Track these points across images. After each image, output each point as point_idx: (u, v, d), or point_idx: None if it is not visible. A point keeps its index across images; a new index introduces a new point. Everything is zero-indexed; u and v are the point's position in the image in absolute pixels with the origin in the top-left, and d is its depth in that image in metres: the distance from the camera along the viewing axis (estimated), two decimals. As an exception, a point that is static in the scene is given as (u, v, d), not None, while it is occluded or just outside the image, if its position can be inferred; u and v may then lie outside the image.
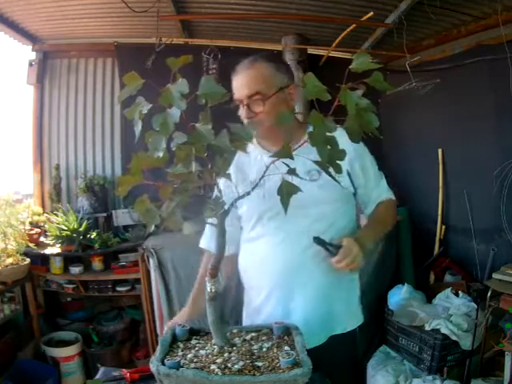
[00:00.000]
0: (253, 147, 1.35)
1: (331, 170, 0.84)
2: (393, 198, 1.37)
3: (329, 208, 1.24)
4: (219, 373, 0.81)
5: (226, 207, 0.89)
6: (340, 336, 1.27)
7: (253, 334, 1.00)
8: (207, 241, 1.43)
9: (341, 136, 1.22)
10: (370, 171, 1.31)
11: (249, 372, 0.81)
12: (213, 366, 0.83)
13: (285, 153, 0.80)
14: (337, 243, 1.16)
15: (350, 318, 1.31)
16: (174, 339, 0.98)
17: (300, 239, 1.22)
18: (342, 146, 1.21)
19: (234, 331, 1.03)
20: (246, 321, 1.41)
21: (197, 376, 0.79)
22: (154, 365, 0.83)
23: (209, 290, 0.93)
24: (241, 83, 1.21)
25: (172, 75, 0.76)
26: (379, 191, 1.34)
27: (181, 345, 0.95)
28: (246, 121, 1.21)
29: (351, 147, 1.22)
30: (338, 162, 0.82)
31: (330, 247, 1.16)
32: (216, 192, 0.88)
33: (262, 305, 1.32)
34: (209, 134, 0.77)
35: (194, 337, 0.99)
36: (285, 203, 0.82)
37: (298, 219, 1.21)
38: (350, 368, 1.33)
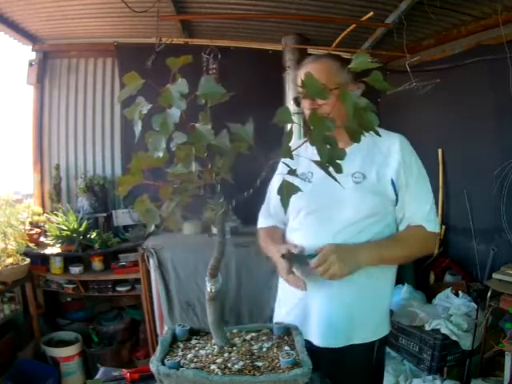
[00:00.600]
0: None
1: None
2: (429, 229, 1.23)
3: (364, 214, 1.21)
4: (219, 373, 0.80)
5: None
6: (359, 346, 1.25)
7: (253, 334, 1.00)
8: (262, 220, 1.49)
9: (394, 143, 1.24)
10: (412, 185, 1.23)
11: (249, 372, 0.81)
12: (213, 366, 0.83)
13: (285, 153, 0.80)
14: (318, 251, 1.15)
15: (374, 328, 1.27)
16: (174, 339, 0.98)
17: (328, 241, 1.21)
18: (393, 152, 1.22)
19: (234, 331, 1.02)
20: (277, 309, 1.44)
21: (197, 376, 0.79)
22: (154, 365, 0.83)
23: (209, 290, 0.93)
24: None
25: (172, 75, 0.76)
26: (415, 211, 1.23)
27: (181, 345, 0.95)
28: (307, 112, 1.23)
29: (400, 156, 1.22)
30: (338, 161, 0.81)
31: (303, 258, 1.16)
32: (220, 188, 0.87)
33: (288, 297, 1.35)
34: (209, 134, 0.77)
35: (194, 337, 0.99)
36: (284, 203, 0.82)
37: (330, 221, 1.21)
38: (366, 378, 1.30)
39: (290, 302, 1.34)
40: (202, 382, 0.78)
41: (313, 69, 1.23)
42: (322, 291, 1.24)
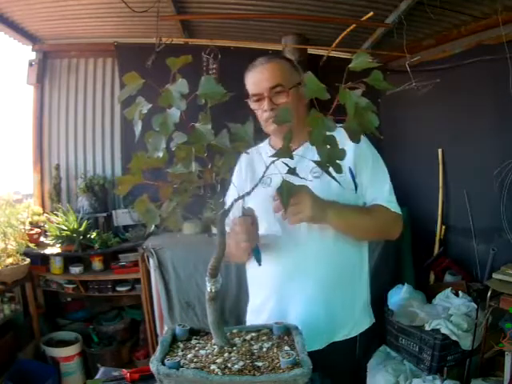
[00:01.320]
0: (263, 144, 1.37)
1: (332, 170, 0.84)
2: (393, 209, 1.23)
3: None
4: (219, 373, 0.80)
5: (230, 203, 0.88)
6: (340, 343, 1.24)
7: (253, 334, 1.00)
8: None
9: (345, 133, 1.23)
10: (369, 169, 1.24)
11: (249, 372, 0.81)
12: (213, 366, 0.83)
13: (284, 153, 0.80)
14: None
15: (353, 323, 1.28)
16: (174, 339, 0.98)
17: (301, 242, 1.20)
18: (346, 142, 1.21)
19: (234, 331, 1.02)
20: (249, 318, 1.40)
21: (197, 376, 0.79)
22: (154, 365, 0.83)
23: (209, 290, 0.92)
24: (261, 77, 1.23)
25: (172, 75, 0.76)
26: (376, 194, 1.24)
27: (181, 345, 0.95)
28: (265, 115, 1.21)
29: (354, 144, 1.21)
30: (338, 161, 0.81)
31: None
32: (220, 188, 0.86)
33: (262, 305, 1.31)
34: (209, 134, 0.77)
35: (194, 337, 0.99)
36: (285, 204, 0.82)
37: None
38: (349, 374, 1.29)
39: (265, 310, 1.29)
40: (201, 382, 0.78)
41: (268, 69, 1.23)
42: (298, 294, 1.22)
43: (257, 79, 1.23)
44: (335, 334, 1.24)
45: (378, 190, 1.24)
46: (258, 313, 1.32)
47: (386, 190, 1.25)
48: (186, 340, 0.98)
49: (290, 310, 1.24)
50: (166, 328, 1.06)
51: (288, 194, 0.82)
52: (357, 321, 1.29)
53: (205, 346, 0.93)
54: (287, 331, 0.99)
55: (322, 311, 1.22)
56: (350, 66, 0.79)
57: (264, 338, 0.98)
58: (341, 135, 1.23)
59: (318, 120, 0.76)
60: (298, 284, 1.22)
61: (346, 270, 1.25)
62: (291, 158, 0.80)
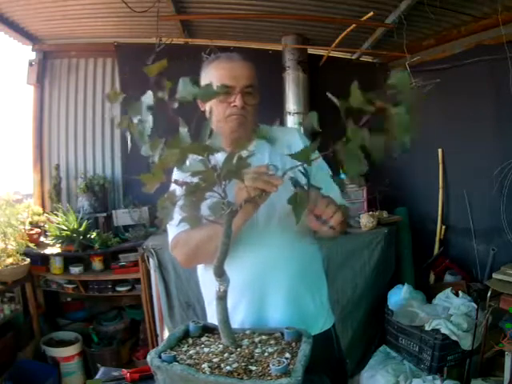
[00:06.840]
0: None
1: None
2: (347, 205, 1.20)
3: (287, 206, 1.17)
4: (207, 372, 0.80)
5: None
6: (318, 335, 1.23)
7: (263, 337, 0.97)
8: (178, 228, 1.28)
9: (294, 135, 1.25)
10: (319, 168, 1.21)
11: (238, 375, 0.80)
12: (204, 365, 0.82)
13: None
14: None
15: (325, 317, 1.30)
16: (187, 335, 0.98)
17: (274, 237, 1.18)
18: (295, 143, 1.23)
19: (247, 332, 1.00)
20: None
21: (184, 372, 0.79)
22: (150, 356, 0.85)
23: (217, 289, 0.92)
24: (241, 72, 1.21)
25: (154, 82, 0.77)
26: (329, 191, 1.15)
27: (190, 340, 0.95)
28: (230, 110, 1.18)
29: (303, 144, 1.24)
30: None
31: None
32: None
33: (232, 307, 1.19)
34: (185, 137, 0.77)
35: (207, 334, 0.99)
36: (298, 215, 0.80)
37: (264, 219, 1.17)
38: (331, 366, 1.27)
39: (238, 311, 1.22)
40: (187, 379, 0.79)
41: (246, 67, 1.22)
42: (274, 291, 1.19)
43: (235, 72, 1.21)
44: (312, 328, 1.21)
45: (331, 188, 1.14)
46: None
47: (336, 189, 1.17)
48: (198, 336, 0.98)
49: (267, 309, 1.20)
50: (166, 328, 1.06)
51: (301, 208, 0.81)
52: (327, 314, 1.31)
53: (211, 345, 0.93)
54: (298, 337, 0.96)
55: (296, 308, 1.21)
56: (388, 82, 0.77)
57: (272, 342, 0.95)
58: (292, 136, 1.26)
59: (355, 132, 0.75)
60: (272, 281, 1.19)
61: (311, 264, 1.27)
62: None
